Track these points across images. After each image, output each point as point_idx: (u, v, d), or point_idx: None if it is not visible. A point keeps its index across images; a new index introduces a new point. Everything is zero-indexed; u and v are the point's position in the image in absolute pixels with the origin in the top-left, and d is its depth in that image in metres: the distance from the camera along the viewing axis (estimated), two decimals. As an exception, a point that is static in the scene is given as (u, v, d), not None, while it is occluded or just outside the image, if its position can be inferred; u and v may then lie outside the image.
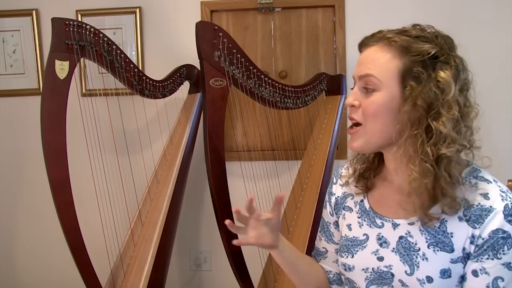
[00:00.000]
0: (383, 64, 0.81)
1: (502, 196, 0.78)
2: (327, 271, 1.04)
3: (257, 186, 1.65)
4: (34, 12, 2.00)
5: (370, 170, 0.94)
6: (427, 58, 0.79)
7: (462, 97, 0.80)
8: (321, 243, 1.06)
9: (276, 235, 0.92)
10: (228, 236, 1.42)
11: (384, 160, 0.92)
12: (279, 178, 1.85)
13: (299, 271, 1.01)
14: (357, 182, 0.95)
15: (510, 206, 0.77)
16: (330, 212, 1.03)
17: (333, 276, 1.04)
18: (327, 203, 1.04)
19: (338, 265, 0.98)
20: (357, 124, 0.85)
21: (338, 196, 1.01)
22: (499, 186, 0.81)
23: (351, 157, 0.98)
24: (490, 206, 0.77)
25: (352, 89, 0.87)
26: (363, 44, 0.86)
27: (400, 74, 0.80)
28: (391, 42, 0.81)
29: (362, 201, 0.95)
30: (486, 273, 0.77)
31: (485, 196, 0.79)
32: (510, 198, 0.78)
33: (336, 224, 1.02)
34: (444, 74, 0.78)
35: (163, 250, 1.57)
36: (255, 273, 1.57)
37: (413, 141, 0.79)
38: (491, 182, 0.81)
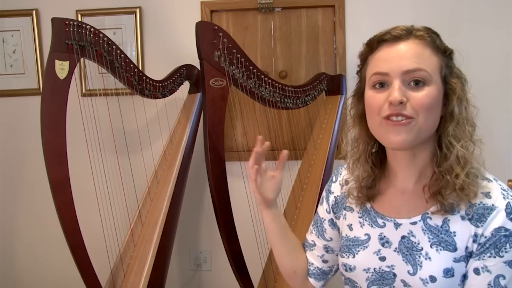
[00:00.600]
0: (428, 58, 0.80)
1: (503, 194, 0.79)
2: (309, 263, 1.05)
3: (257, 186, 1.64)
4: (34, 12, 2.00)
5: (373, 179, 0.92)
6: (450, 55, 0.83)
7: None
8: (311, 236, 1.06)
9: (275, 195, 1.00)
10: (228, 236, 1.42)
11: (387, 160, 0.91)
12: (279, 178, 1.85)
13: (283, 244, 1.04)
14: (357, 194, 0.93)
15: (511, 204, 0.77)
16: (326, 210, 1.03)
17: (314, 269, 1.04)
18: (324, 200, 1.04)
19: (339, 265, 0.98)
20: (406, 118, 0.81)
21: (337, 196, 1.01)
22: (500, 185, 0.81)
23: (350, 168, 0.95)
24: (492, 205, 0.78)
25: (379, 88, 0.83)
26: (389, 39, 0.82)
27: (441, 69, 0.82)
28: (424, 38, 0.81)
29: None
30: (488, 271, 0.77)
31: (487, 194, 0.79)
32: (511, 196, 0.79)
33: (331, 222, 1.01)
34: (458, 70, 0.83)
35: (163, 250, 1.57)
36: (255, 273, 1.56)
37: (457, 130, 0.82)
38: (492, 181, 0.82)
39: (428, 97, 0.79)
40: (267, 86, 1.50)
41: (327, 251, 1.02)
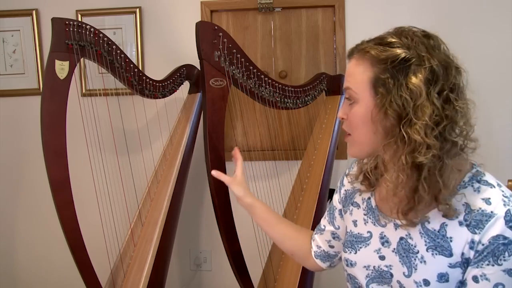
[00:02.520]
0: (358, 76, 0.83)
1: (504, 201, 0.77)
2: (317, 245, 1.09)
3: (257, 186, 1.64)
4: (34, 12, 2.00)
5: (377, 169, 0.93)
6: (398, 63, 0.77)
7: (441, 99, 0.76)
8: (324, 221, 1.10)
9: (242, 188, 1.13)
10: (228, 236, 1.42)
11: None
12: (279, 178, 1.86)
13: (274, 232, 1.14)
14: (362, 181, 0.96)
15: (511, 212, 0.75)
16: (338, 200, 1.06)
17: (320, 252, 1.09)
18: (338, 190, 1.08)
19: (342, 260, 0.99)
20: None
21: (347, 189, 1.03)
22: (503, 191, 0.79)
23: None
24: (491, 212, 0.76)
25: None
26: (348, 56, 0.88)
27: (371, 84, 0.80)
28: (365, 53, 0.82)
29: (369, 198, 0.95)
30: (486, 279, 0.75)
31: (487, 201, 0.77)
32: None
33: (340, 212, 1.05)
34: (415, 79, 0.75)
35: (163, 250, 1.57)
36: (255, 273, 1.57)
37: (390, 150, 0.81)
38: (494, 187, 0.79)
39: (354, 116, 0.84)
40: (267, 86, 1.50)
41: (333, 238, 1.07)
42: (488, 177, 0.81)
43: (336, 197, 1.07)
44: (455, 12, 1.86)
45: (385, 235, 0.88)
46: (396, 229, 0.87)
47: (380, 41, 0.81)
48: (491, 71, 1.84)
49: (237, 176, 1.14)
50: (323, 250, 1.08)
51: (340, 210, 1.05)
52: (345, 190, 1.03)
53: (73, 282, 1.58)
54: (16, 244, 2.12)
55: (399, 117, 0.76)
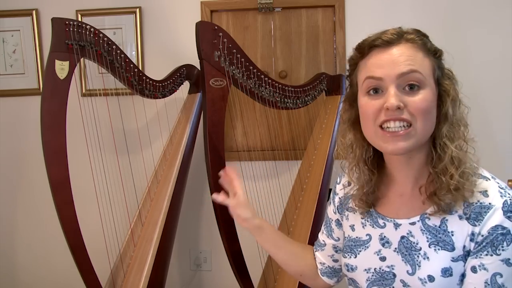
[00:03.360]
0: (421, 61, 0.80)
1: (501, 192, 0.79)
2: (321, 262, 1.06)
3: (257, 186, 1.65)
4: (34, 12, 2.00)
5: (374, 184, 0.91)
6: (438, 55, 0.83)
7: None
8: (322, 236, 1.08)
9: (249, 209, 1.02)
10: (228, 236, 1.42)
11: (385, 163, 0.91)
12: (279, 178, 1.86)
13: (281, 253, 1.06)
14: (359, 200, 0.93)
15: (509, 203, 0.77)
16: (333, 210, 1.04)
17: (325, 269, 1.06)
18: (331, 201, 1.05)
19: (341, 265, 0.99)
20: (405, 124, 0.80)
21: (341, 197, 1.02)
22: (498, 183, 0.81)
23: (350, 176, 0.94)
24: (489, 203, 0.78)
25: (373, 94, 0.82)
26: (380, 44, 0.81)
27: (434, 71, 0.82)
28: (416, 41, 0.81)
29: None
30: (485, 269, 0.77)
31: (484, 193, 0.79)
32: (509, 194, 0.79)
33: (338, 222, 1.03)
34: (448, 71, 0.84)
35: (163, 250, 1.57)
36: (255, 273, 1.57)
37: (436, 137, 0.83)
38: (489, 179, 0.82)
39: (425, 101, 0.78)
40: (267, 86, 1.50)
41: (336, 251, 1.04)
42: (482, 171, 0.84)
43: (330, 208, 1.05)
44: (455, 12, 1.86)
45: (385, 236, 0.88)
46: (396, 228, 0.87)
47: (418, 33, 0.83)
48: (492, 71, 1.84)
49: (240, 197, 1.02)
50: (328, 266, 1.05)
51: (337, 220, 1.03)
52: (339, 198, 1.02)
53: (73, 282, 1.58)
54: (16, 244, 2.12)
55: (454, 102, 0.82)
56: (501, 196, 0.78)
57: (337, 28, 1.93)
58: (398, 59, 0.79)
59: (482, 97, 1.80)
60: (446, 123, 0.81)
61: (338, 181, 1.05)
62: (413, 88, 0.79)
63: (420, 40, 0.82)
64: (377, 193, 0.92)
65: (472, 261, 0.78)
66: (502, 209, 0.77)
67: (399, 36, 0.81)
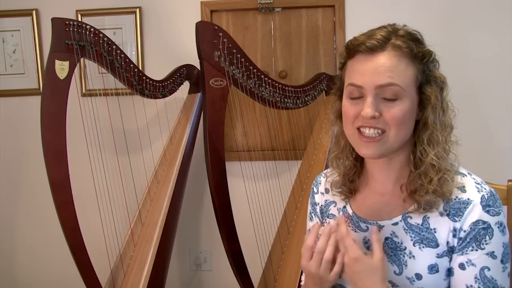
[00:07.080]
0: (402, 71, 0.79)
1: (477, 187, 0.81)
2: None
3: (257, 186, 1.65)
4: (34, 12, 2.00)
5: (355, 172, 0.94)
6: (427, 59, 0.82)
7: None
8: None
9: (332, 274, 0.85)
10: (228, 236, 1.42)
11: (365, 163, 0.92)
12: (279, 178, 1.86)
13: None
14: (341, 186, 0.94)
15: (486, 197, 0.79)
16: (317, 222, 1.02)
17: None
18: (313, 215, 1.03)
19: None
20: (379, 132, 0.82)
21: (321, 205, 1.02)
22: (474, 179, 0.83)
23: (332, 163, 0.96)
24: (468, 199, 0.80)
25: (354, 98, 0.82)
26: (372, 49, 0.80)
27: (417, 80, 0.81)
28: (401, 48, 0.79)
29: (344, 207, 0.95)
30: (472, 264, 0.79)
31: (462, 188, 0.81)
32: (485, 189, 0.81)
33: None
34: (438, 72, 0.82)
35: (163, 250, 1.57)
36: (255, 273, 1.57)
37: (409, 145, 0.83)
38: (465, 175, 0.84)
39: (400, 111, 0.80)
40: (267, 86, 1.51)
41: None
42: (459, 167, 0.85)
43: (315, 220, 1.03)
44: (455, 12, 1.86)
45: (368, 239, 0.89)
46: (379, 231, 0.87)
47: (410, 36, 0.82)
48: (491, 71, 1.83)
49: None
50: None
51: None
52: (320, 207, 1.02)
53: (73, 282, 1.58)
54: (16, 244, 2.12)
55: (434, 109, 0.81)
56: (478, 191, 0.80)
57: (337, 28, 1.93)
58: (379, 69, 0.79)
59: (482, 97, 1.80)
60: (427, 130, 0.82)
61: (315, 191, 1.03)
62: (389, 99, 0.80)
63: (407, 47, 0.80)
64: (357, 182, 0.93)
65: (458, 258, 0.80)
66: (481, 204, 0.79)
67: (384, 42, 0.80)
